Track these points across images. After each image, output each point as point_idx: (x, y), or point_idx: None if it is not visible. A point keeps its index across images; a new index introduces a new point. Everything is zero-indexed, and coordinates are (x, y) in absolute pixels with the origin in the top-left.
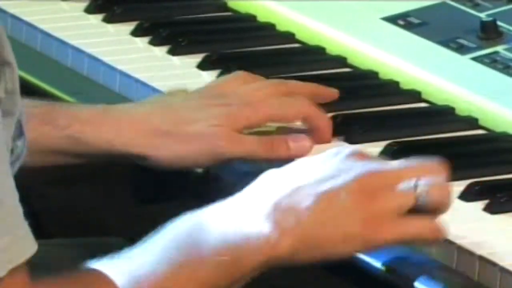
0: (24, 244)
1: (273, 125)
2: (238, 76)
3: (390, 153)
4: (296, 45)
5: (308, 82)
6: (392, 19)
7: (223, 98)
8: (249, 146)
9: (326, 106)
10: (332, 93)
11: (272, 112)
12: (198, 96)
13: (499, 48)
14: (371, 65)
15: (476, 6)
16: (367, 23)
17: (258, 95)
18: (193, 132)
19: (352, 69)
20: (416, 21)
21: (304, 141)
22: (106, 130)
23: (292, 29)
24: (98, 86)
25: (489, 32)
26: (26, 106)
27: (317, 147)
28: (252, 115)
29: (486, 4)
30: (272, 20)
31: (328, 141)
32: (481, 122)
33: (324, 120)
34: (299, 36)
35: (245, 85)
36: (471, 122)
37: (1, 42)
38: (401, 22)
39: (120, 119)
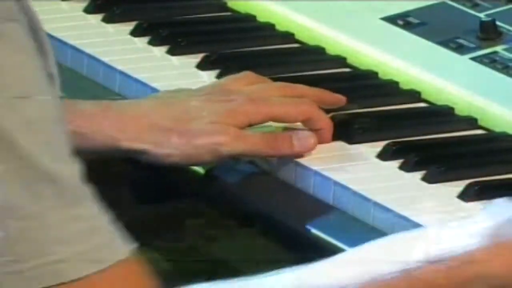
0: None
1: (275, 125)
2: (245, 76)
3: (389, 153)
4: (296, 45)
5: (307, 82)
6: (392, 19)
7: (226, 95)
8: (251, 142)
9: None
10: (338, 99)
11: (274, 111)
12: (201, 93)
13: (499, 48)
14: (371, 65)
15: (475, 6)
16: (367, 23)
17: (262, 93)
18: (193, 128)
19: (352, 69)
20: (415, 21)
21: (309, 138)
22: (108, 126)
23: (291, 29)
24: (97, 86)
25: (488, 32)
26: None
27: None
28: (253, 112)
29: (485, 4)
30: (271, 20)
31: (328, 142)
32: (480, 122)
33: (326, 122)
34: (298, 36)
35: (250, 85)
36: (471, 122)
37: (47, 53)
38: (400, 22)
39: (122, 115)
